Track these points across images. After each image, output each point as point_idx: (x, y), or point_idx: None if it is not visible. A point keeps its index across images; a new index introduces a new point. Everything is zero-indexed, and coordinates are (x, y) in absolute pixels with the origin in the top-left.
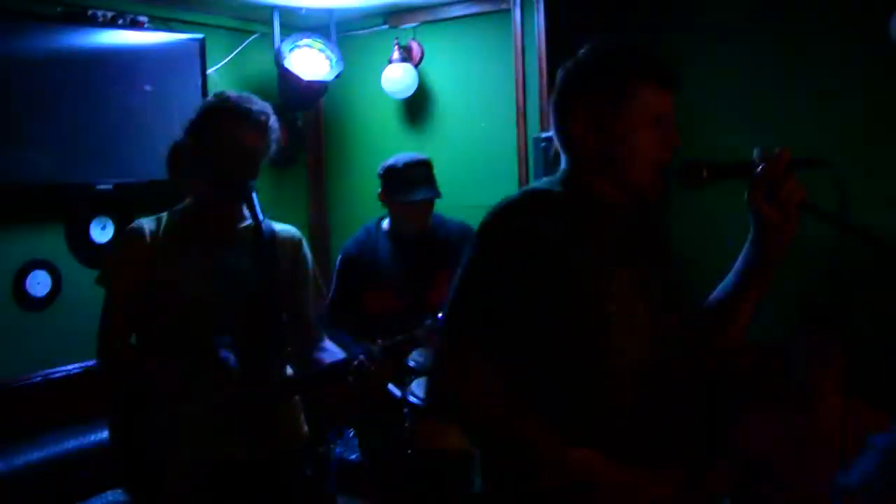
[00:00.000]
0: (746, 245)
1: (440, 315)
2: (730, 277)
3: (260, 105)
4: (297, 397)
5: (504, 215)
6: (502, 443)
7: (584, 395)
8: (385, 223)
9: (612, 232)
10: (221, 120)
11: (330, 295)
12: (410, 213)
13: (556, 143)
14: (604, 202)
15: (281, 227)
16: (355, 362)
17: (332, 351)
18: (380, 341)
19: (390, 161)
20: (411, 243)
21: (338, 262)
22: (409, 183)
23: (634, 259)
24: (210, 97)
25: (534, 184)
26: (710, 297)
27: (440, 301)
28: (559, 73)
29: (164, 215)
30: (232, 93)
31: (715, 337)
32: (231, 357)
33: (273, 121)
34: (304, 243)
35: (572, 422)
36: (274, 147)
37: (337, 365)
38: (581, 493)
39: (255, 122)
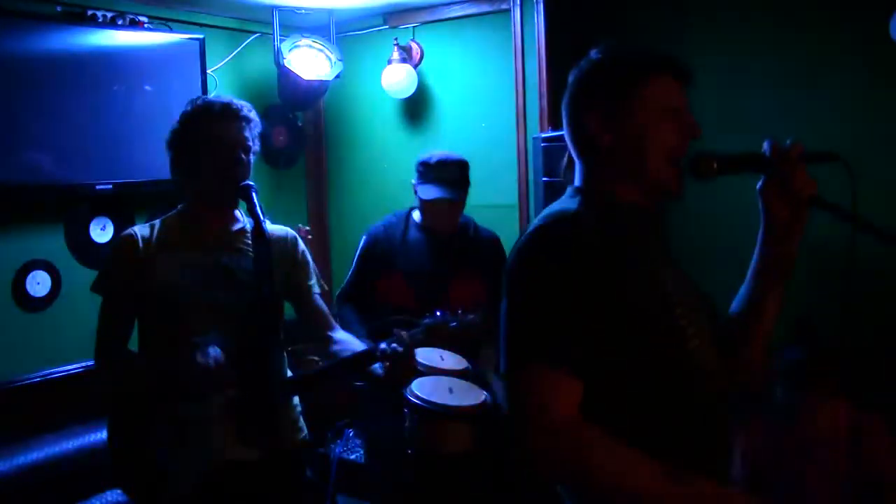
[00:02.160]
0: (758, 244)
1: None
2: (746, 280)
3: (238, 101)
4: (296, 398)
5: (544, 233)
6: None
7: (667, 391)
8: (416, 213)
9: (644, 236)
10: (204, 122)
11: (348, 275)
12: (428, 210)
13: (571, 148)
14: (627, 207)
15: (275, 228)
16: (380, 349)
17: (347, 342)
18: (404, 333)
19: (427, 154)
20: (440, 239)
21: (361, 243)
22: (432, 180)
23: (670, 261)
24: (187, 106)
25: (553, 206)
26: (731, 308)
27: (452, 302)
28: (571, 75)
29: (157, 222)
30: (206, 97)
31: (740, 349)
32: (216, 353)
33: (253, 113)
34: (299, 240)
35: (658, 425)
36: (258, 142)
37: (366, 352)
38: None
39: (237, 117)
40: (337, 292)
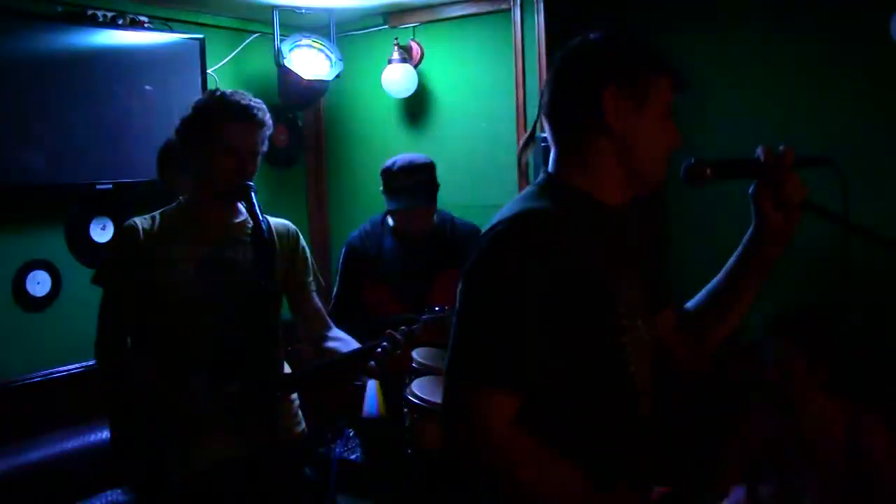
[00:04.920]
0: (742, 244)
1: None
2: (721, 276)
3: (254, 102)
4: (294, 394)
5: (501, 243)
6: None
7: (604, 411)
8: (390, 218)
9: (609, 240)
10: (217, 121)
11: (335, 290)
12: (399, 217)
13: (557, 128)
14: (598, 204)
15: (276, 222)
16: (378, 349)
17: (344, 339)
18: (403, 328)
19: (389, 161)
20: (415, 241)
21: (342, 255)
22: (398, 189)
23: (631, 267)
24: (204, 96)
25: (520, 204)
26: (699, 296)
27: (437, 303)
28: (565, 50)
29: (157, 214)
30: (226, 91)
31: (703, 336)
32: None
33: (268, 117)
34: (300, 235)
35: (595, 441)
36: (267, 144)
37: (359, 351)
38: None
39: (252, 121)
40: (333, 299)
